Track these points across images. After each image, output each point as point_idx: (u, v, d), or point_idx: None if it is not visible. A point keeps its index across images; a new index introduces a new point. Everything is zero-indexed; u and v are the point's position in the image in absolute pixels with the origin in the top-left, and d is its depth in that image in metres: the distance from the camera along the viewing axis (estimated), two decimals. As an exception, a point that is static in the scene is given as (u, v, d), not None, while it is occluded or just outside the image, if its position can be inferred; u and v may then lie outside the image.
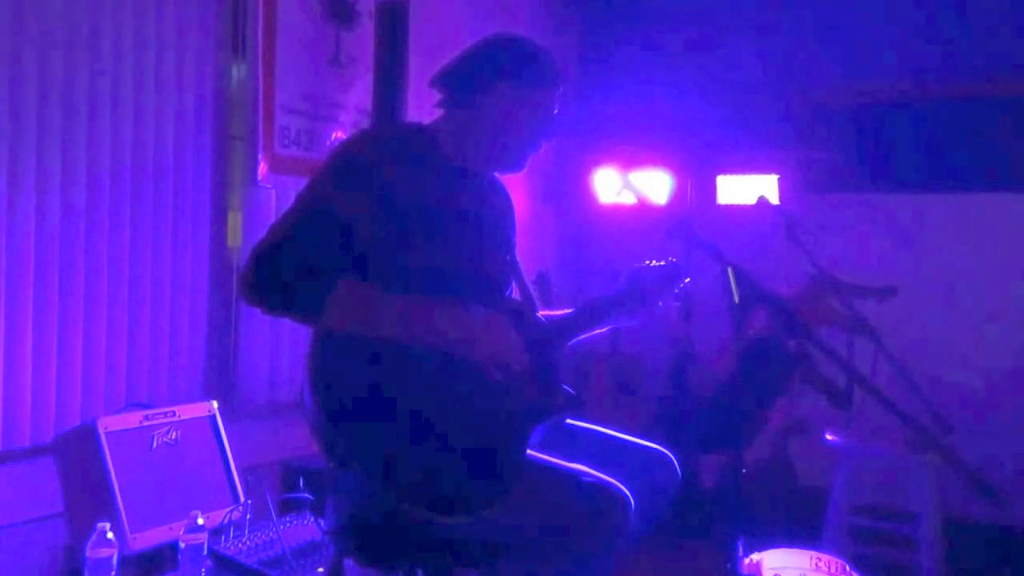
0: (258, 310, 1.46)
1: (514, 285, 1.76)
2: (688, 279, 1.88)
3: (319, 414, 1.39)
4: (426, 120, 1.73)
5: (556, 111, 1.68)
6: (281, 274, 1.43)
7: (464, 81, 1.66)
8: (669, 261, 1.87)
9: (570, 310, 1.79)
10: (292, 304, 1.44)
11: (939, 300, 3.63)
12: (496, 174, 1.78)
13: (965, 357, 3.59)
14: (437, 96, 1.71)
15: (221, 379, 2.89)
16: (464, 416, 1.48)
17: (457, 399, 1.49)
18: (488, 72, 1.63)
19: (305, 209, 1.50)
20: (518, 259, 1.76)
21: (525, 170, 1.73)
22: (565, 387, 1.65)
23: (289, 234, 1.46)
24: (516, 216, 1.83)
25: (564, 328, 1.75)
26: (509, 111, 1.62)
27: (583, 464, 1.56)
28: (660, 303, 1.83)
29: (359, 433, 1.39)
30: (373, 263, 1.50)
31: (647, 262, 1.88)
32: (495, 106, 1.63)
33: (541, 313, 1.73)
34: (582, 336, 1.79)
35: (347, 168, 1.53)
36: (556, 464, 1.54)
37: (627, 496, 1.51)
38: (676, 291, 1.87)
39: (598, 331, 1.83)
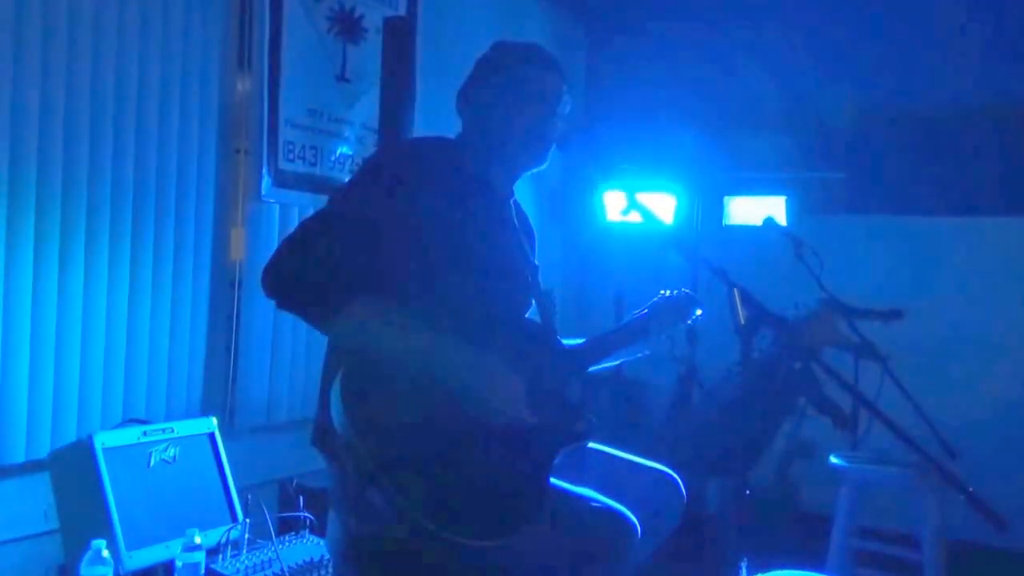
0: (273, 301, 1.45)
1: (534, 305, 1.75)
2: (700, 311, 1.87)
3: (350, 429, 1.36)
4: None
5: (555, 91, 1.67)
6: (303, 270, 1.42)
7: (465, 93, 1.72)
8: (682, 292, 1.87)
9: (583, 340, 1.79)
10: (307, 303, 1.43)
11: (946, 324, 3.62)
12: (521, 175, 1.76)
13: (971, 381, 3.58)
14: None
15: (220, 396, 2.86)
16: (489, 441, 1.46)
17: (483, 424, 1.47)
18: (478, 75, 1.70)
19: (337, 213, 1.50)
20: (540, 281, 1.75)
21: (546, 164, 1.71)
22: (586, 415, 1.64)
23: (318, 233, 1.46)
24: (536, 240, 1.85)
25: (583, 357, 1.75)
26: (505, 99, 1.65)
27: (589, 486, 1.56)
28: (670, 336, 1.84)
29: (391, 451, 1.37)
30: (396, 276, 1.48)
31: (661, 292, 1.88)
32: (492, 102, 1.66)
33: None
34: (596, 366, 1.79)
35: (382, 180, 1.53)
36: (564, 489, 1.52)
37: (633, 523, 1.51)
38: (689, 322, 1.87)
39: (609, 363, 1.83)
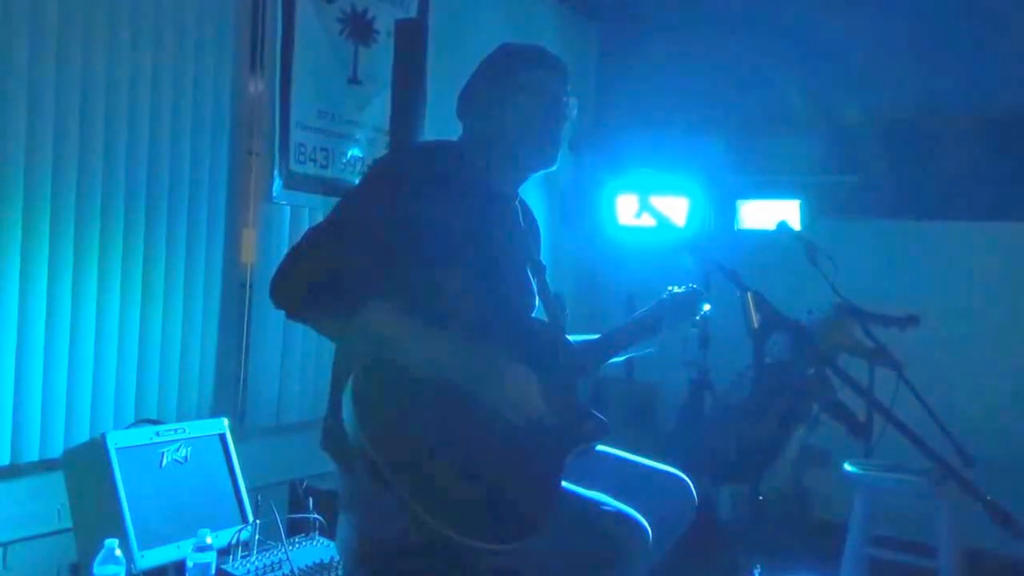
0: (283, 311, 1.44)
1: (540, 304, 1.74)
2: (708, 306, 1.87)
3: (362, 433, 1.36)
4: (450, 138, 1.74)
5: (561, 93, 1.67)
6: (312, 279, 1.41)
7: (469, 95, 1.71)
8: (690, 287, 1.87)
9: (595, 336, 1.78)
10: (317, 311, 1.42)
11: (962, 329, 3.58)
12: (528, 176, 1.75)
13: (987, 388, 3.53)
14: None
15: (231, 397, 2.86)
16: (501, 445, 1.46)
17: (495, 425, 1.46)
18: (483, 78, 1.69)
19: (343, 219, 1.49)
20: (547, 280, 1.75)
21: (556, 166, 1.70)
22: (596, 414, 1.64)
23: (325, 241, 1.45)
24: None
25: (593, 354, 1.74)
26: (510, 103, 1.64)
27: (600, 489, 1.55)
28: (680, 331, 1.83)
29: (404, 455, 1.36)
30: (404, 281, 1.48)
31: (669, 288, 1.87)
32: (498, 106, 1.65)
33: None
34: (606, 363, 1.78)
35: (387, 185, 1.53)
36: (575, 492, 1.52)
37: (644, 527, 1.51)
38: (697, 318, 1.86)
39: (618, 358, 1.82)
